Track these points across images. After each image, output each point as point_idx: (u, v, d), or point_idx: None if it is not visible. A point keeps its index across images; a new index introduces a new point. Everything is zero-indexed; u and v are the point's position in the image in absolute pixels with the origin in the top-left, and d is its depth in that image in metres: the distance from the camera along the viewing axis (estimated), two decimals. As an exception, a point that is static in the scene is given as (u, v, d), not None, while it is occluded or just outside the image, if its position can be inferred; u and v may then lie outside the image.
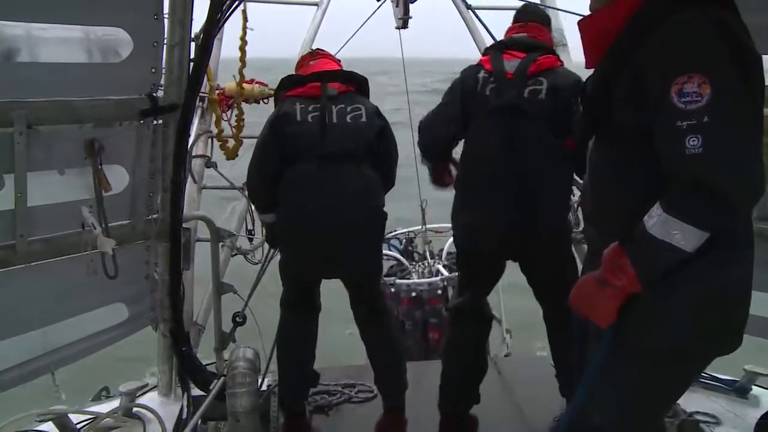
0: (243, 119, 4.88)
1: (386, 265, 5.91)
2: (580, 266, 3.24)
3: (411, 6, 4.88)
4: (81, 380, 4.93)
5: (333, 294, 3.81)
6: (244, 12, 4.58)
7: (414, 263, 6.32)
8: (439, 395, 3.52)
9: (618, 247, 1.87)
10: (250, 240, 4.55)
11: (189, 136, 3.26)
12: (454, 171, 3.45)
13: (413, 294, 5.50)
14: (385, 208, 3.48)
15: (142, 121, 2.98)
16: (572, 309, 2.06)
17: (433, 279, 5.70)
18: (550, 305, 3.36)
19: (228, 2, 2.89)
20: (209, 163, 4.73)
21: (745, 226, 1.90)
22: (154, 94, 2.97)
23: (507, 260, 3.36)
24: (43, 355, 3.05)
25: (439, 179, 3.49)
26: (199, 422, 3.32)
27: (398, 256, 6.38)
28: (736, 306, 1.92)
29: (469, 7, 5.26)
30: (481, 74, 3.23)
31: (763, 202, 3.22)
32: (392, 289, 5.46)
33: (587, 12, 2.12)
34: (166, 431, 3.22)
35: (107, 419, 3.27)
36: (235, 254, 4.40)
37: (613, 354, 1.96)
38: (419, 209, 6.69)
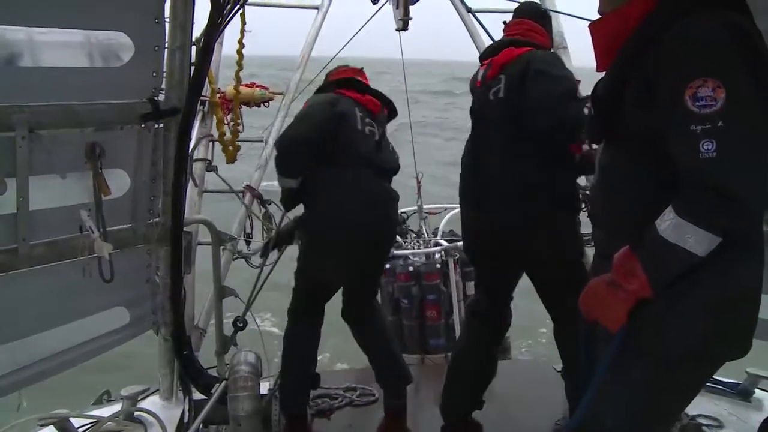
0: (240, 123, 4.88)
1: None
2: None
3: (412, 8, 4.88)
4: (82, 384, 4.92)
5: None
6: (242, 15, 4.58)
7: (408, 241, 5.96)
8: (442, 399, 3.51)
9: (629, 250, 1.86)
10: (248, 243, 4.56)
11: (190, 139, 3.26)
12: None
13: (410, 269, 5.19)
14: None
15: (143, 125, 2.98)
16: (580, 312, 2.06)
17: (431, 249, 5.44)
18: (557, 312, 3.32)
19: (229, 6, 2.90)
20: (210, 167, 4.73)
21: (757, 229, 1.89)
22: (156, 98, 2.97)
23: (509, 267, 3.34)
24: (44, 359, 3.04)
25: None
26: (201, 426, 3.32)
27: None
28: (747, 310, 1.91)
29: (469, 10, 5.27)
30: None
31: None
32: (387, 265, 5.02)
33: (587, 14, 2.12)
34: (167, 435, 3.22)
35: (109, 423, 3.27)
36: (236, 258, 4.40)
37: (623, 357, 1.95)
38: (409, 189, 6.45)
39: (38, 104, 2.65)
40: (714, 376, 3.64)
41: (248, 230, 4.70)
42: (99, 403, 4.02)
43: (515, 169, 3.02)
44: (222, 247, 3.96)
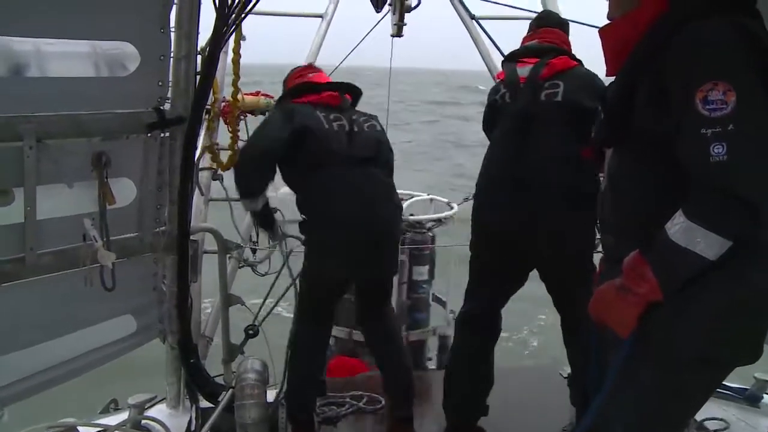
0: (239, 131, 4.87)
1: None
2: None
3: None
4: (90, 392, 4.93)
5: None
6: (238, 25, 4.59)
7: None
8: (444, 406, 3.51)
9: (639, 254, 1.86)
10: (254, 251, 4.56)
11: (196, 148, 3.27)
12: None
13: None
14: None
15: (149, 134, 3.00)
16: (590, 317, 2.06)
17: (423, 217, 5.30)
18: (568, 314, 3.31)
19: (234, 16, 2.92)
20: (216, 176, 4.75)
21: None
22: (161, 107, 2.99)
23: (523, 267, 3.31)
24: (52, 367, 3.05)
25: None
26: (208, 434, 3.32)
27: None
28: (758, 314, 1.90)
29: (473, 17, 5.28)
30: (500, 87, 3.28)
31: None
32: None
33: (592, 21, 2.13)
34: (174, 443, 3.23)
35: (116, 432, 3.28)
36: (243, 266, 4.41)
37: (633, 362, 1.94)
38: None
39: (45, 114, 2.67)
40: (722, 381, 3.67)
41: (254, 238, 4.71)
42: (106, 411, 4.04)
43: (576, 175, 3.00)
44: (228, 255, 3.97)
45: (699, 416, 3.41)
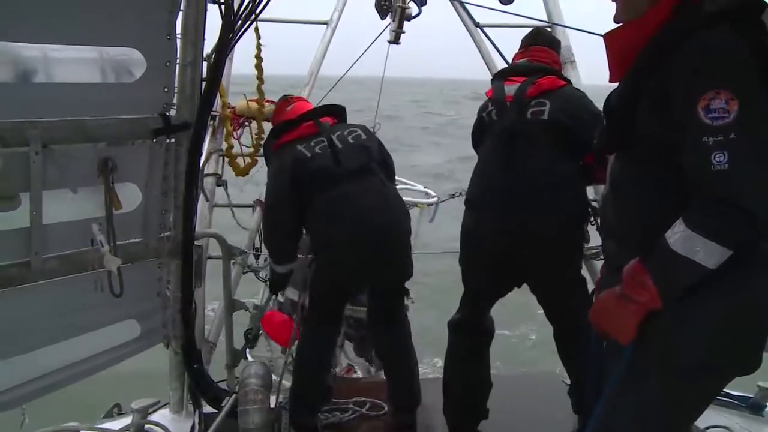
0: (263, 137, 4.89)
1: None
2: (590, 286, 3.25)
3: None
4: (93, 397, 4.94)
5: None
6: (256, 29, 4.63)
7: None
8: (444, 411, 3.52)
9: (639, 262, 1.87)
10: (257, 257, 4.59)
11: (201, 154, 3.29)
12: None
13: None
14: None
15: (154, 140, 3.01)
16: (591, 325, 2.06)
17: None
18: (560, 325, 3.34)
19: (240, 22, 2.94)
20: (220, 182, 4.77)
21: None
22: (167, 113, 3.01)
23: (511, 282, 3.34)
24: (56, 371, 3.07)
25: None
26: (211, 439, 3.33)
27: None
28: (758, 324, 1.90)
29: (477, 24, 5.29)
30: (489, 105, 3.33)
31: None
32: None
33: (595, 29, 2.13)
34: (177, 448, 3.23)
35: (119, 436, 3.29)
36: (247, 271, 4.43)
37: (633, 370, 1.95)
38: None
39: (52, 120, 2.68)
40: (725, 389, 3.66)
41: (257, 244, 4.73)
42: (109, 416, 4.04)
43: (564, 191, 3.09)
44: (232, 260, 3.98)
45: (702, 424, 3.40)
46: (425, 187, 6.25)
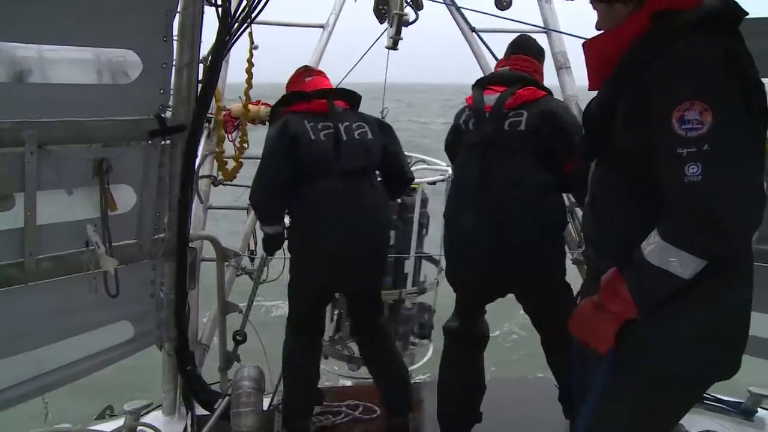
0: (247, 141, 4.90)
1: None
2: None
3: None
4: (85, 398, 4.93)
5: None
6: (250, 34, 4.63)
7: None
8: (438, 414, 3.52)
9: (616, 272, 1.87)
10: (252, 260, 4.58)
11: (196, 156, 3.29)
12: None
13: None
14: None
15: (150, 142, 3.01)
16: (571, 334, 2.07)
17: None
18: (547, 332, 3.34)
19: (236, 25, 2.95)
20: (216, 182, 4.77)
21: (744, 251, 1.89)
22: (163, 115, 3.01)
23: (497, 291, 3.36)
24: (49, 372, 3.06)
25: None
26: (204, 441, 3.33)
27: None
28: (734, 331, 1.91)
29: (473, 29, 5.30)
30: (465, 112, 3.33)
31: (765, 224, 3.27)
32: None
33: (590, 35, 2.13)
34: (170, 450, 3.23)
35: (111, 438, 3.28)
36: (240, 274, 4.43)
37: (614, 379, 1.96)
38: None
39: (47, 120, 2.68)
40: (716, 395, 3.69)
41: (252, 247, 4.73)
42: (102, 418, 4.03)
43: (540, 203, 3.12)
44: (226, 263, 3.98)
45: (694, 429, 3.43)
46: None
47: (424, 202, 4.87)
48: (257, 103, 5.12)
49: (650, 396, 1.93)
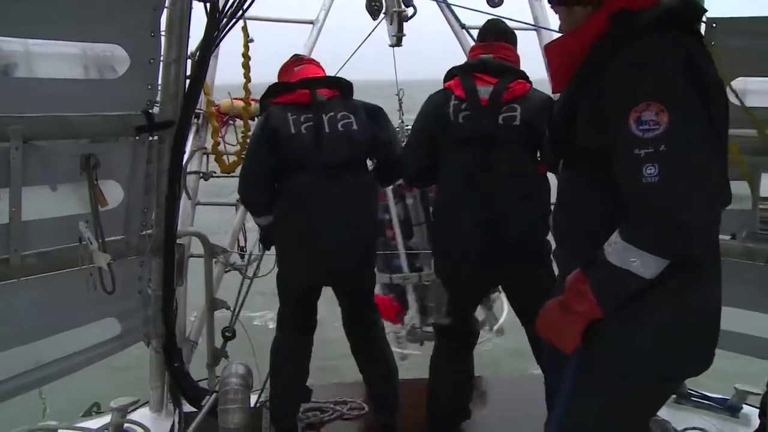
0: (248, 135, 4.85)
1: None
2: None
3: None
4: (72, 395, 4.90)
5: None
6: (244, 28, 4.61)
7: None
8: (427, 410, 3.52)
9: (580, 273, 1.87)
10: (242, 257, 4.55)
11: (184, 152, 3.27)
12: None
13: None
14: None
15: (137, 137, 3.00)
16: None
17: None
18: (534, 331, 3.34)
19: (225, 20, 2.93)
20: (206, 176, 4.75)
21: (709, 248, 1.88)
22: (150, 111, 3.00)
23: (489, 284, 3.36)
24: (35, 369, 3.04)
25: None
26: (191, 438, 3.32)
27: None
28: (701, 329, 1.91)
29: (463, 26, 5.30)
30: (453, 101, 3.23)
31: (751, 222, 3.30)
32: None
33: None
34: (157, 447, 3.22)
35: (98, 435, 3.27)
36: (229, 270, 4.41)
37: (581, 377, 1.96)
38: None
39: (33, 115, 2.67)
40: (702, 392, 3.71)
41: (242, 243, 4.71)
42: (88, 415, 4.00)
43: (536, 197, 3.14)
44: (214, 259, 3.97)
45: (680, 426, 3.44)
46: None
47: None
48: (242, 99, 5.09)
49: (618, 395, 1.93)
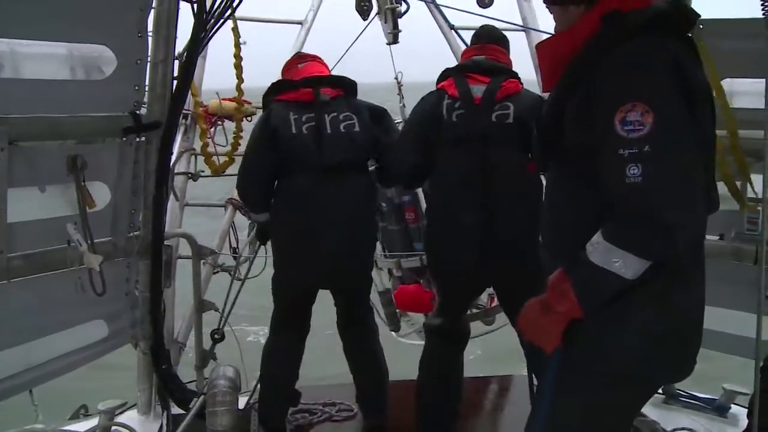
0: (242, 136, 4.83)
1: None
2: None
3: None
4: (59, 398, 4.87)
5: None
6: (235, 29, 4.60)
7: None
8: (416, 410, 3.51)
9: (562, 272, 1.88)
10: (235, 258, 4.53)
11: (171, 153, 3.26)
12: None
13: None
14: None
15: (124, 138, 2.98)
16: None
17: None
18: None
19: (212, 21, 2.92)
20: (194, 177, 4.73)
21: (692, 249, 1.87)
22: (137, 112, 2.98)
23: (483, 284, 3.36)
24: (22, 372, 3.01)
25: None
26: (179, 441, 3.30)
27: None
28: (684, 330, 1.91)
29: (452, 27, 5.31)
30: (446, 101, 3.23)
31: (739, 222, 3.32)
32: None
33: None
34: (145, 450, 3.20)
35: (85, 438, 3.24)
36: (217, 271, 4.39)
37: (563, 377, 1.96)
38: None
39: (19, 116, 2.64)
40: (691, 392, 3.73)
41: (233, 244, 4.69)
42: (76, 417, 3.98)
43: (531, 195, 3.10)
44: (203, 260, 3.95)
45: (668, 426, 3.45)
46: None
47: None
48: (235, 99, 5.08)
49: (599, 395, 1.92)
